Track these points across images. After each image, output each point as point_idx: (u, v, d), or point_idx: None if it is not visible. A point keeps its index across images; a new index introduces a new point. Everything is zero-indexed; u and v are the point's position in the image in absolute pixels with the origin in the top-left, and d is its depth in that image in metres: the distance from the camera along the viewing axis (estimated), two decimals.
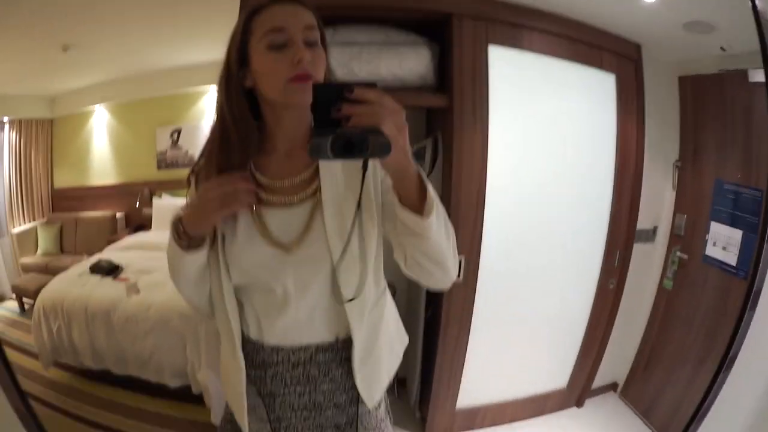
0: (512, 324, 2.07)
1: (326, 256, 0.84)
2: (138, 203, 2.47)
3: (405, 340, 1.08)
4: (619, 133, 2.01)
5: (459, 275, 1.87)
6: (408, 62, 1.74)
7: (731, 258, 1.84)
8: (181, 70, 2.29)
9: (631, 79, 2.00)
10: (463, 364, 2.03)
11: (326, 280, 0.86)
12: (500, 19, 1.77)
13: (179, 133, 2.40)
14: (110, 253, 2.34)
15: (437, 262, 0.79)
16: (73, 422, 1.99)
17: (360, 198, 0.78)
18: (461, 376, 2.05)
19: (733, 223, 1.85)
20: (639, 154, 2.03)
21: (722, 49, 1.81)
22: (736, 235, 1.82)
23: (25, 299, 2.31)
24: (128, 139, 2.44)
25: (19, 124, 2.32)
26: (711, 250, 1.93)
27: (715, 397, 1.61)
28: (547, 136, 1.94)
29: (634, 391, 2.26)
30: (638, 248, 2.11)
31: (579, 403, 2.29)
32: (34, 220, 2.41)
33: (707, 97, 1.97)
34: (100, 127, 2.43)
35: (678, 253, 2.07)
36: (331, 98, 0.65)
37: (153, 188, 2.45)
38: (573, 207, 2.02)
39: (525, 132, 1.90)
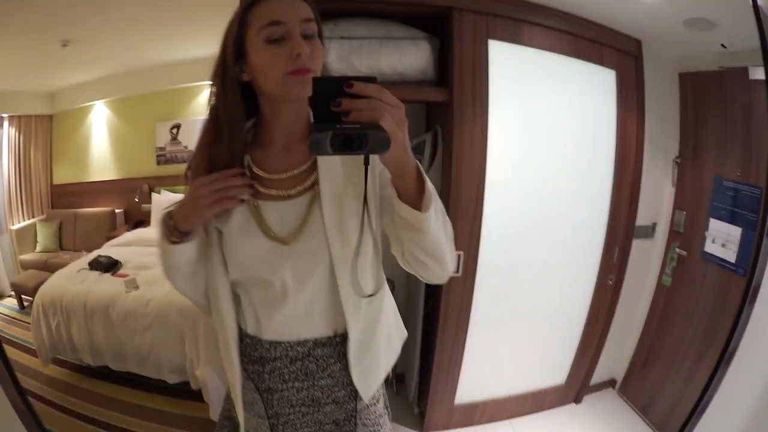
0: (511, 320, 2.07)
1: (325, 249, 0.84)
2: (137, 199, 2.47)
3: (404, 334, 1.08)
4: (619, 129, 2.01)
5: (458, 270, 1.87)
6: (408, 56, 1.74)
7: (730, 255, 1.84)
8: (181, 65, 2.29)
9: (631, 75, 2.00)
10: (462, 360, 2.04)
11: (325, 273, 0.86)
12: (500, 14, 1.77)
13: (179, 128, 2.40)
14: (109, 249, 2.35)
15: (435, 257, 0.79)
16: (72, 419, 2.00)
17: (365, 193, 0.78)
18: (460, 372, 2.06)
19: (732, 220, 1.85)
20: (639, 151, 2.03)
21: (723, 46, 1.81)
22: (735, 232, 1.82)
23: (24, 296, 2.31)
24: (127, 134, 2.45)
25: (18, 121, 2.32)
26: (710, 247, 1.93)
27: (714, 393, 1.62)
28: (547, 131, 1.94)
29: (632, 387, 2.27)
30: (637, 244, 2.11)
31: (577, 400, 2.29)
32: (33, 216, 2.41)
33: (707, 94, 1.97)
34: (99, 122, 2.43)
35: (677, 250, 2.07)
36: (331, 92, 0.65)
37: (152, 184, 2.46)
38: (572, 202, 2.02)
39: (525, 127, 1.90)
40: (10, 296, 2.31)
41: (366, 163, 0.71)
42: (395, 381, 2.31)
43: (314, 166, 0.86)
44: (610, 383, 2.34)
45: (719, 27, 1.79)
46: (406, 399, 2.27)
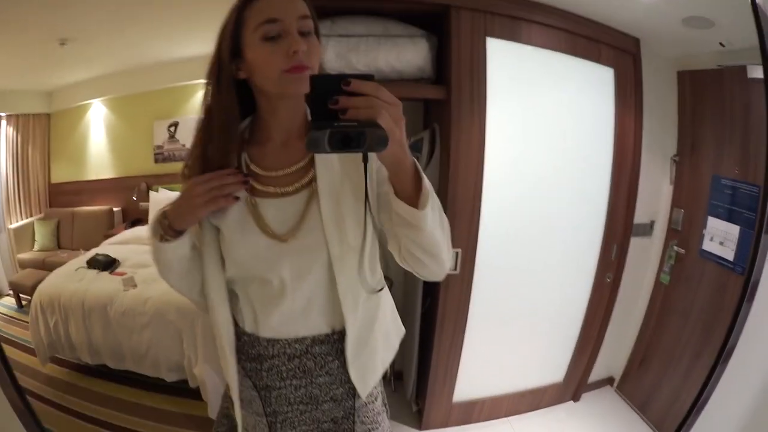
0: (509, 317, 2.08)
1: (323, 245, 0.84)
2: (135, 197, 2.46)
3: (401, 331, 1.08)
4: (617, 127, 2.01)
5: (455, 268, 1.88)
6: (406, 54, 1.74)
7: (728, 253, 1.84)
8: (179, 62, 2.28)
9: (629, 74, 2.00)
10: (460, 358, 2.04)
11: (323, 270, 0.86)
12: (498, 12, 1.77)
13: (176, 126, 2.39)
14: (107, 248, 2.34)
15: (432, 254, 0.79)
16: (71, 418, 1.99)
17: (366, 191, 0.78)
18: (458, 370, 2.06)
19: (730, 218, 1.85)
20: (637, 149, 2.03)
21: (721, 44, 1.81)
22: (733, 230, 1.83)
23: (22, 295, 2.31)
24: (125, 132, 2.44)
25: (16, 119, 2.31)
26: (708, 245, 1.93)
27: (712, 391, 1.62)
28: (545, 129, 1.94)
29: (630, 385, 2.27)
30: (635, 242, 2.11)
31: (575, 398, 2.30)
32: (31, 215, 2.40)
33: (706, 93, 1.97)
34: (97, 121, 2.42)
35: (675, 248, 2.07)
36: (328, 90, 0.65)
37: (150, 182, 2.45)
38: (570, 200, 2.02)
39: (523, 125, 1.90)
40: (8, 295, 2.30)
41: (365, 160, 0.71)
42: (393, 378, 2.31)
43: (312, 163, 0.86)
44: (608, 381, 2.34)
45: (718, 25, 1.79)
46: (404, 396, 2.27)
